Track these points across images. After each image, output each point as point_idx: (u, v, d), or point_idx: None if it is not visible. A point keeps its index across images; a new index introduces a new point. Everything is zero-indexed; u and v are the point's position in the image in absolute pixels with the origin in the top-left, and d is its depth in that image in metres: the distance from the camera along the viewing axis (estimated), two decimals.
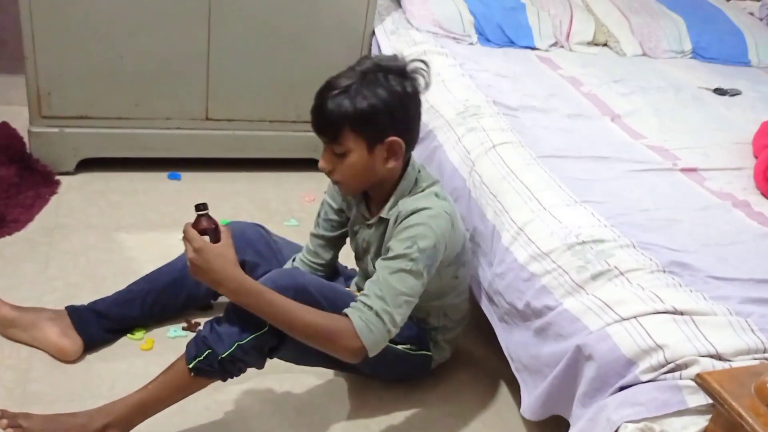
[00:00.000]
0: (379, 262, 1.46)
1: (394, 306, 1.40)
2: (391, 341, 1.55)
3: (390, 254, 1.44)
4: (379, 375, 1.72)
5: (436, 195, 1.52)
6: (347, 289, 1.65)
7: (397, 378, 1.74)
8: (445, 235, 1.48)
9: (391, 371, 1.69)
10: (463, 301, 1.72)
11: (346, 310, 1.40)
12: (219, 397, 1.64)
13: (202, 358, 1.39)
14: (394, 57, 1.47)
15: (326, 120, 1.42)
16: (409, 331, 1.62)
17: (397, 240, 1.45)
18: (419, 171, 1.56)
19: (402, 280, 1.41)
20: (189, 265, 1.36)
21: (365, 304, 1.40)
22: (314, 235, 1.74)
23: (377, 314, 1.38)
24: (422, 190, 1.53)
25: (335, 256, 1.78)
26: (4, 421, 1.38)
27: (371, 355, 1.39)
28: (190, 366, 1.39)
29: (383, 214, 1.53)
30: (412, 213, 1.46)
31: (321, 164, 1.49)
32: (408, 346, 1.64)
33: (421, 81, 1.46)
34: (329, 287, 1.51)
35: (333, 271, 1.81)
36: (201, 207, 1.40)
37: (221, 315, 1.44)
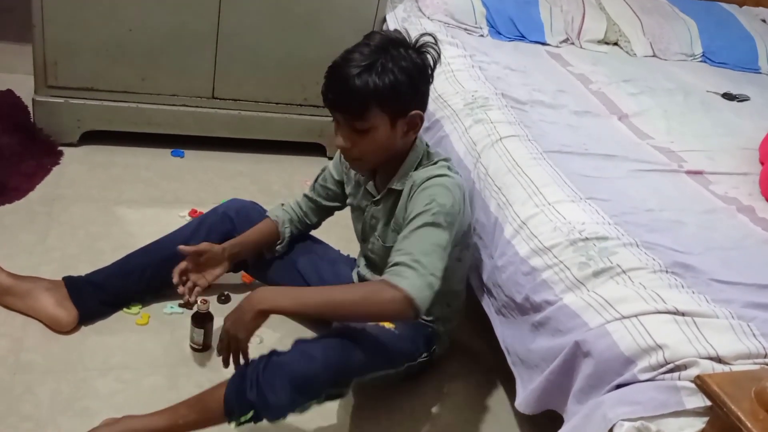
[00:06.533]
0: (399, 236, 1.43)
1: (422, 254, 1.36)
2: (410, 359, 1.61)
3: (410, 216, 1.42)
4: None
5: (449, 168, 1.54)
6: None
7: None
8: (461, 203, 1.49)
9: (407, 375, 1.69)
10: (462, 289, 1.72)
11: (379, 278, 1.38)
12: (213, 376, 1.63)
13: (247, 418, 1.31)
14: (398, 32, 1.47)
15: (352, 97, 1.38)
16: (419, 342, 1.64)
17: (415, 203, 1.44)
18: (427, 146, 1.58)
19: (426, 233, 1.39)
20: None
21: (393, 262, 1.37)
22: (308, 198, 1.81)
23: (406, 265, 1.35)
24: (434, 163, 1.54)
25: (319, 223, 1.86)
26: None
27: (419, 302, 1.32)
28: (231, 424, 1.33)
29: (393, 185, 1.54)
30: (427, 179, 1.47)
31: (339, 142, 1.46)
32: (424, 355, 1.66)
33: (433, 53, 1.46)
34: (375, 332, 1.51)
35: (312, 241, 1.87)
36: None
37: (266, 366, 1.33)
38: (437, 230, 1.40)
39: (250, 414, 1.31)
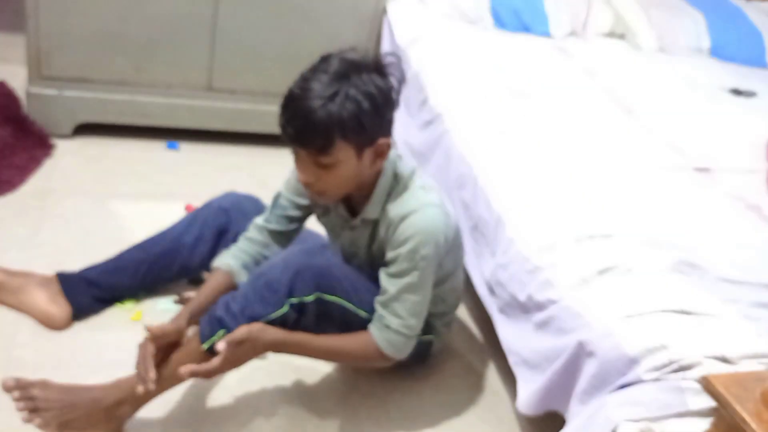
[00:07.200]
0: (384, 277, 1.46)
1: (411, 316, 1.46)
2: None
3: (395, 269, 1.44)
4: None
5: (422, 188, 1.47)
6: None
7: (400, 363, 1.70)
8: (442, 230, 1.45)
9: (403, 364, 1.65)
10: (459, 283, 1.69)
11: (370, 329, 1.47)
12: None
13: (216, 338, 1.37)
14: (354, 49, 1.38)
15: (315, 133, 1.29)
16: None
17: (398, 253, 1.43)
18: (395, 162, 1.49)
19: (413, 292, 1.45)
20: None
21: (384, 324, 1.46)
22: (267, 230, 1.61)
23: (397, 332, 1.46)
24: (405, 187, 1.47)
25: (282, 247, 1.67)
26: (16, 393, 1.32)
27: (402, 358, 1.51)
28: (205, 347, 1.38)
29: (366, 215, 1.49)
30: (403, 219, 1.42)
31: (302, 178, 1.39)
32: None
33: (397, 74, 1.38)
34: (348, 269, 1.54)
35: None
36: None
37: (236, 292, 1.44)
38: (424, 289, 1.47)
39: (220, 332, 1.38)
